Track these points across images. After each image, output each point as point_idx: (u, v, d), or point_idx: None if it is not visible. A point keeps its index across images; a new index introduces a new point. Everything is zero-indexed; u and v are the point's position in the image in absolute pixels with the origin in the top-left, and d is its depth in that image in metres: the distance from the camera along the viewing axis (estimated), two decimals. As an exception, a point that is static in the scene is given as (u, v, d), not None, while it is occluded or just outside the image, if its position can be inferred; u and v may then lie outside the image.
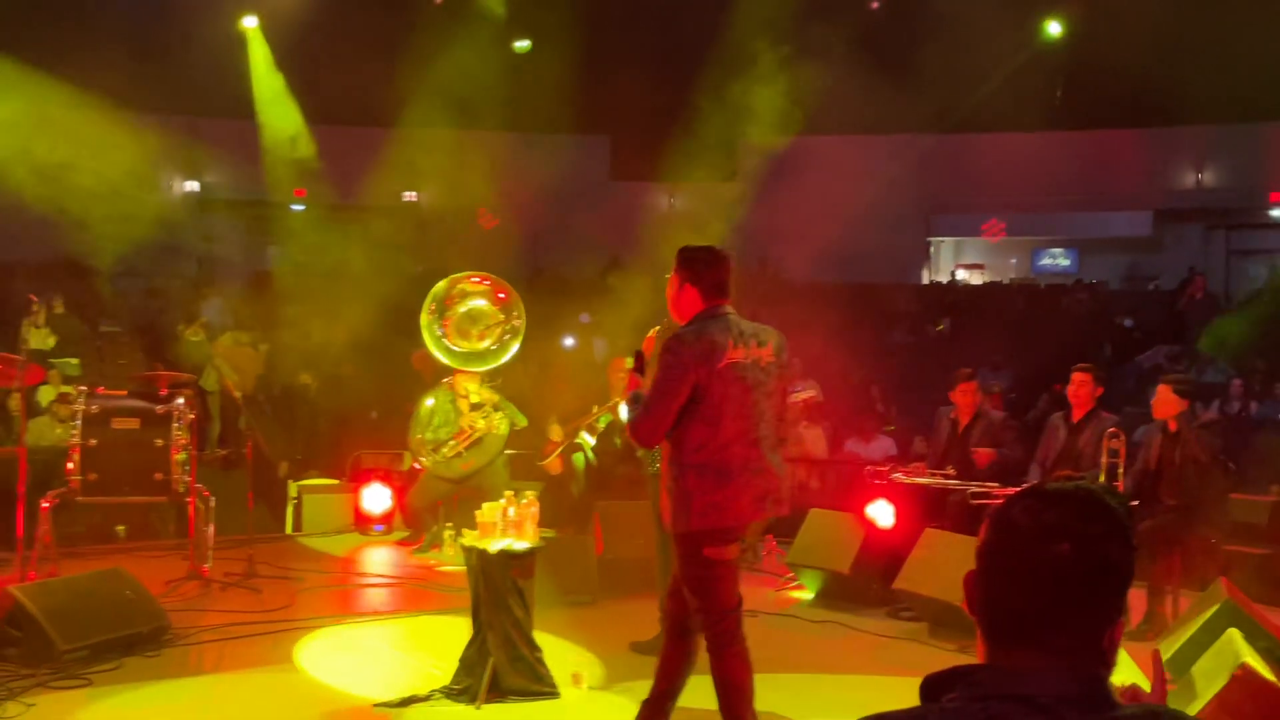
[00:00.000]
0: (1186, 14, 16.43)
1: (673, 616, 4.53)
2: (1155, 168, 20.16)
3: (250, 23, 16.81)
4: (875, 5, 17.88)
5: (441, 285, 6.54)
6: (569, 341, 16.10)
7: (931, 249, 22.09)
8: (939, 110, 19.02)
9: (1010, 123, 18.98)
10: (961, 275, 21.82)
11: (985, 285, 21.13)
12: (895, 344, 17.00)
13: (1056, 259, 21.69)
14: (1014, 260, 22.18)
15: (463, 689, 5.28)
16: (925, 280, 21.33)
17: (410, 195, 20.87)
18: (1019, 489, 1.70)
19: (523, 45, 18.35)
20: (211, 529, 7.34)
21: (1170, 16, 15.87)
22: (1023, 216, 21.01)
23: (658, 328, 4.89)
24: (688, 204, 21.47)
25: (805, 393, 8.75)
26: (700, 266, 4.38)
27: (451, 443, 8.07)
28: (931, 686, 1.67)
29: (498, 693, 5.23)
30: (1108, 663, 1.63)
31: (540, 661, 5.35)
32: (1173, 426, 6.93)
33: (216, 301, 16.05)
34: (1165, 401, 6.96)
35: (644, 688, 5.71)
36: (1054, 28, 17.17)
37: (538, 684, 5.30)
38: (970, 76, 17.42)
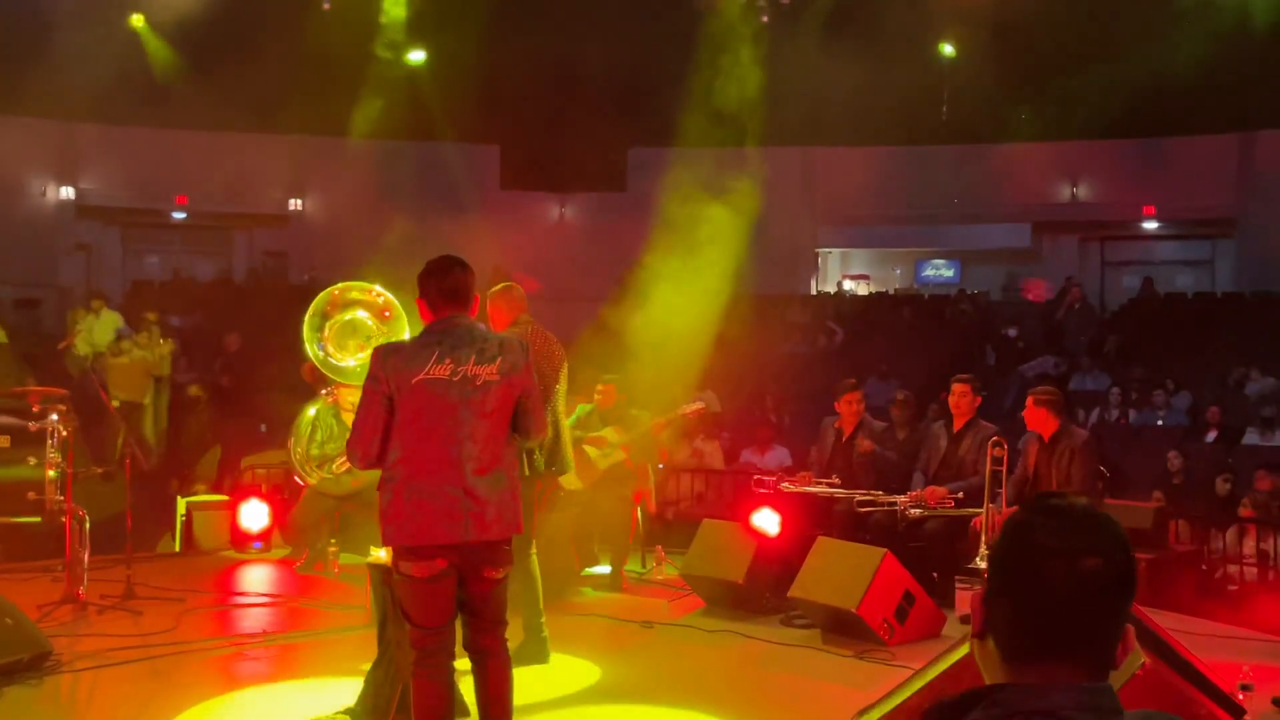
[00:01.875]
0: (1059, 35, 17.00)
1: (469, 645, 4.41)
2: (1033, 181, 20.77)
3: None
4: (766, 19, 18.08)
5: (325, 294, 6.36)
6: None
7: (820, 259, 22.42)
8: (827, 123, 19.35)
9: (897, 136, 19.40)
10: (848, 285, 22.19)
11: (871, 296, 21.52)
12: (787, 354, 17.18)
13: (939, 270, 22.18)
14: (898, 271, 22.63)
15: (369, 709, 5.16)
16: (814, 290, 21.63)
17: (295, 203, 20.51)
18: (1014, 507, 1.74)
19: (416, 56, 18.13)
20: (87, 550, 7.06)
21: (1045, 37, 16.39)
22: (907, 228, 21.47)
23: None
24: (578, 214, 21.51)
25: (693, 405, 8.80)
26: (424, 278, 4.31)
27: (341, 459, 7.88)
28: (947, 711, 1.69)
29: (406, 713, 5.12)
30: (1115, 668, 1.70)
31: None
32: (1046, 436, 7.20)
33: (110, 315, 15.50)
34: (1030, 413, 7.24)
35: (553, 702, 5.70)
36: (947, 49, 17.59)
37: (446, 702, 5.21)
38: (857, 90, 17.74)
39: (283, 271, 20.63)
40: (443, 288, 4.28)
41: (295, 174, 20.34)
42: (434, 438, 4.13)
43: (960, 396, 7.64)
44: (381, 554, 5.28)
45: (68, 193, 19.44)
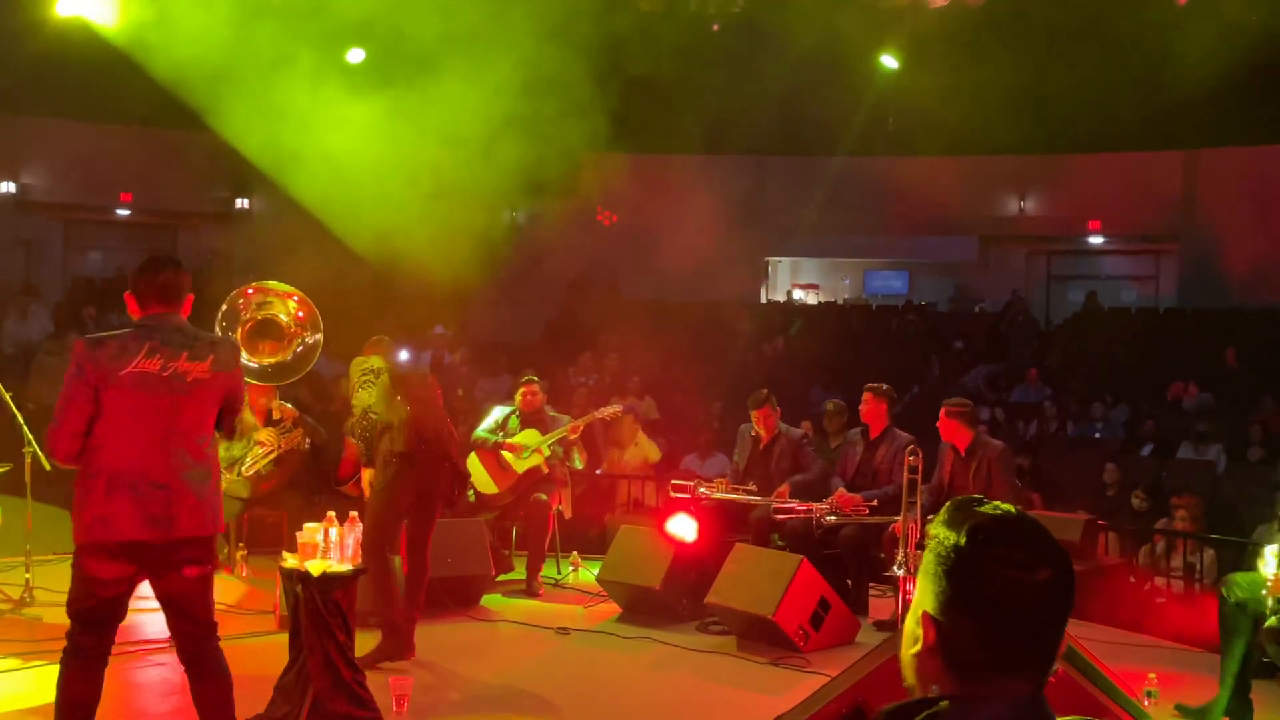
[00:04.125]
0: (1008, 49, 17.12)
1: (182, 654, 4.40)
2: (981, 195, 20.90)
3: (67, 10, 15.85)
4: (716, 27, 18.10)
5: (237, 292, 6.19)
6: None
7: (769, 268, 22.45)
8: (779, 132, 19.40)
9: (847, 147, 19.47)
10: (798, 295, 22.23)
11: (820, 305, 21.57)
12: (733, 361, 17.18)
13: (888, 280, 22.27)
14: (847, 281, 22.70)
15: (281, 716, 5.08)
16: (763, 299, 21.66)
17: (242, 202, 20.28)
18: (931, 515, 1.71)
19: (358, 55, 17.92)
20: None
21: (993, 51, 16.50)
22: (856, 239, 21.52)
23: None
24: (530, 221, 21.41)
25: (611, 409, 8.75)
26: (135, 274, 4.31)
27: (249, 460, 7.75)
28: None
29: (319, 718, 5.04)
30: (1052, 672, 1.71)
31: (362, 685, 5.18)
32: (961, 448, 7.23)
33: (39, 310, 15.25)
34: (944, 424, 7.37)
35: (462, 709, 5.62)
36: (889, 61, 17.63)
37: (360, 708, 5.13)
38: (811, 101, 17.81)
39: (228, 272, 20.36)
40: (154, 284, 4.27)
41: (242, 173, 20.09)
42: (141, 432, 4.11)
43: (865, 405, 7.74)
44: (293, 558, 5.22)
45: (8, 187, 19.11)
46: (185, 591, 4.27)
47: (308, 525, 5.29)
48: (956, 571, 1.65)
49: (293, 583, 5.17)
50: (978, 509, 1.68)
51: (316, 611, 5.06)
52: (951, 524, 1.68)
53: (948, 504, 1.74)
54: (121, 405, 4.08)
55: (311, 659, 5.07)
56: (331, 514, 5.36)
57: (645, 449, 11.29)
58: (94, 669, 4.25)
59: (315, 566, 5.10)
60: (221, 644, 6.49)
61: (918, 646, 1.69)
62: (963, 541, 1.65)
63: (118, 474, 4.08)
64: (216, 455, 4.36)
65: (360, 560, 5.34)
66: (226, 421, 4.38)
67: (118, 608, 4.23)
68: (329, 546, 5.22)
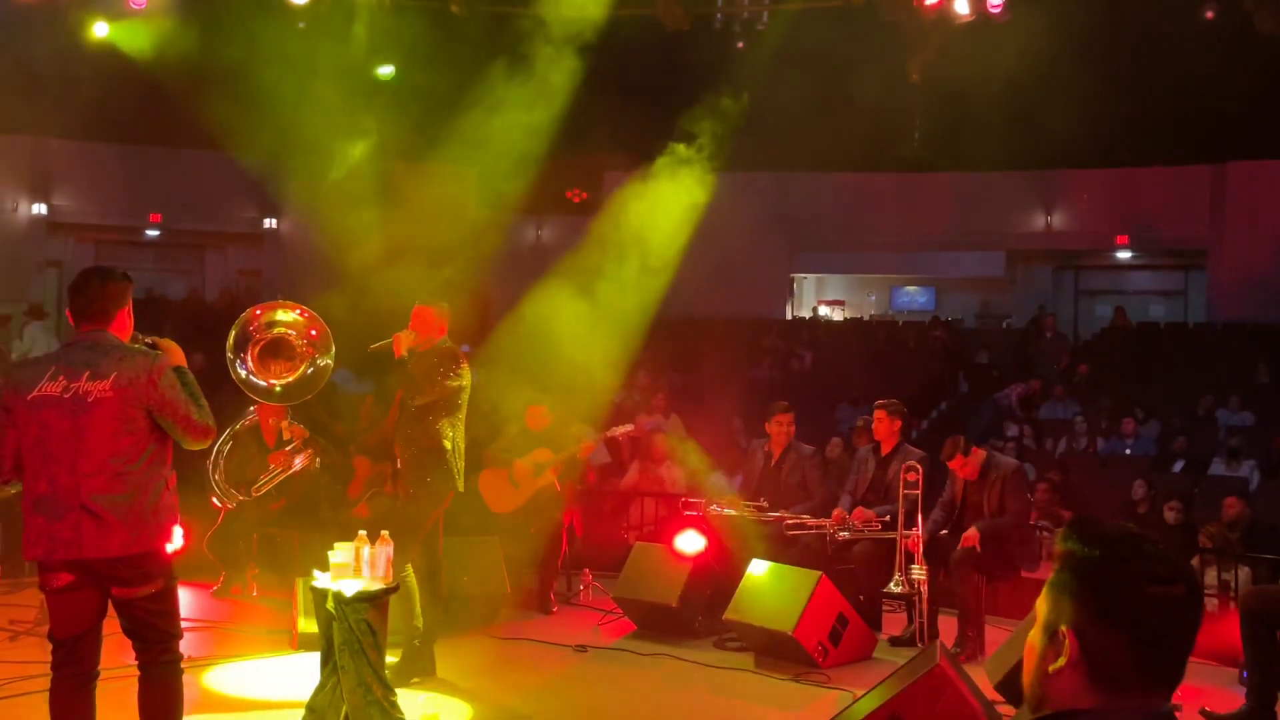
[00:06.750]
0: (1034, 64, 17.03)
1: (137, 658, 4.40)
2: (1007, 210, 20.77)
3: (102, 31, 16.04)
4: (740, 45, 18.10)
5: (247, 313, 6.10)
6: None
7: (795, 284, 22.39)
8: (804, 149, 19.35)
9: (872, 163, 19.40)
10: (823, 311, 22.15)
11: (846, 321, 21.49)
12: (759, 378, 17.13)
13: (914, 296, 22.17)
14: (873, 297, 22.61)
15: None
16: (789, 315, 21.60)
17: (270, 222, 20.42)
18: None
19: (386, 71, 18.04)
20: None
21: (1018, 69, 16.43)
22: (882, 255, 21.44)
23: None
24: (555, 235, 21.45)
25: (623, 428, 8.73)
26: (69, 294, 4.31)
27: (261, 480, 7.71)
28: None
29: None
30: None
31: (395, 705, 5.16)
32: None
33: (37, 326, 15.35)
34: (957, 465, 7.22)
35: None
36: (913, 77, 17.56)
37: (392, 727, 5.12)
38: (835, 117, 17.75)
39: (256, 291, 20.50)
40: (77, 303, 4.27)
41: (270, 193, 20.26)
42: (50, 455, 4.11)
43: (877, 422, 7.66)
44: (324, 577, 5.20)
45: (39, 209, 19.33)
46: (120, 609, 4.25)
47: (339, 544, 5.27)
48: (1102, 588, 1.67)
49: (324, 602, 5.15)
50: (1103, 526, 1.71)
51: (349, 631, 5.05)
52: (1086, 540, 1.69)
53: (1070, 522, 1.75)
54: (33, 429, 4.12)
55: (344, 679, 5.05)
56: (363, 533, 5.34)
57: (665, 478, 11.23)
58: (80, 697, 4.23)
59: (348, 586, 5.09)
60: (237, 663, 6.54)
61: (1061, 662, 1.68)
62: (1108, 558, 1.67)
63: (38, 496, 4.12)
64: (150, 472, 4.15)
65: (391, 579, 5.32)
66: (177, 433, 4.18)
67: (78, 614, 4.20)
68: (362, 565, 5.20)
